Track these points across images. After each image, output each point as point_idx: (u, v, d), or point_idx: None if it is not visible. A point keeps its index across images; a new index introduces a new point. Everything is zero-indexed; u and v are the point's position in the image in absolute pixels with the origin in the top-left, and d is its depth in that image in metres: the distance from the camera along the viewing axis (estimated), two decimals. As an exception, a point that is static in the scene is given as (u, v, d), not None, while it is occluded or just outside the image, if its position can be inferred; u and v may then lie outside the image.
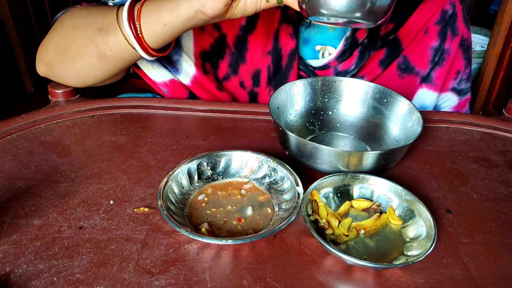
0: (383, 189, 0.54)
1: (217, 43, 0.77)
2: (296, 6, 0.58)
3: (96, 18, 0.65)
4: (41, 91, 2.47)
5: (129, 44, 0.63)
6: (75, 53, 0.67)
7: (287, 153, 0.62)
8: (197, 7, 0.57)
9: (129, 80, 0.85)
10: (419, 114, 0.62)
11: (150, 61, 0.75)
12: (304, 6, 0.55)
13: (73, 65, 0.68)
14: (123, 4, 0.63)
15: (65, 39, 0.67)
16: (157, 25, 0.61)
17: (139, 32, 0.62)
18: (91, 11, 0.68)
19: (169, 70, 0.77)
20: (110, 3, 0.73)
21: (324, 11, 0.53)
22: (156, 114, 0.73)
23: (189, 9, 0.58)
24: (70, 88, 0.75)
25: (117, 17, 0.63)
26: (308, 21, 0.78)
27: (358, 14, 0.52)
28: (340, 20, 0.57)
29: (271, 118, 0.68)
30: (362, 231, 0.50)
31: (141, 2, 0.62)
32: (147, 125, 0.70)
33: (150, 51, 0.64)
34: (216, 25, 0.76)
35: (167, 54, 0.75)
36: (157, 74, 0.76)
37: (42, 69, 0.73)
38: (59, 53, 0.68)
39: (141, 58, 0.67)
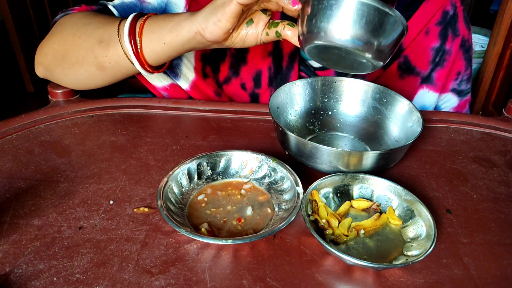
0: (383, 189, 0.54)
1: None
2: (294, 41, 0.58)
3: (98, 30, 0.66)
4: (41, 91, 2.47)
5: (128, 58, 0.64)
6: (75, 62, 0.67)
7: (287, 153, 0.62)
8: (197, 29, 0.58)
9: (129, 80, 0.85)
10: (419, 114, 0.62)
11: None
12: (301, 38, 0.53)
13: (73, 72, 0.69)
14: (124, 18, 0.64)
15: (65, 47, 0.68)
16: (157, 43, 0.62)
17: (138, 48, 0.62)
18: (92, 20, 0.68)
19: (169, 75, 0.77)
20: (110, 6, 0.73)
21: (322, 42, 0.51)
22: (156, 114, 0.73)
23: (189, 30, 0.58)
24: (70, 88, 0.75)
25: (118, 31, 0.63)
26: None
27: (363, 48, 0.49)
28: (339, 64, 0.55)
29: (271, 118, 0.68)
30: (362, 231, 0.50)
31: (143, 18, 0.63)
32: (147, 125, 0.70)
33: (147, 68, 0.65)
34: None
35: None
36: (157, 79, 0.77)
37: (41, 72, 0.73)
38: (58, 60, 0.69)
39: (139, 72, 0.68)
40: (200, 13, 0.58)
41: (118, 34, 0.63)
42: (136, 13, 0.64)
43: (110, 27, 0.64)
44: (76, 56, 0.67)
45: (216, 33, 0.57)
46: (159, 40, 0.61)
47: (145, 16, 0.63)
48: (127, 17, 0.63)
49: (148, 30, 0.62)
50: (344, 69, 0.58)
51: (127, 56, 0.64)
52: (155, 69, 0.67)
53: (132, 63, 0.64)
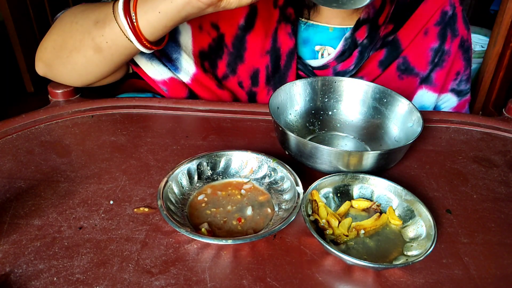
0: (383, 189, 0.54)
1: (215, 43, 0.77)
2: None
3: (94, 12, 0.66)
4: (41, 91, 2.47)
5: (125, 35, 0.63)
6: (72, 48, 0.67)
7: (287, 153, 0.62)
8: None
9: (129, 80, 0.85)
10: (419, 114, 0.62)
11: (150, 59, 0.75)
12: None
13: (71, 60, 0.68)
14: None
15: (63, 35, 0.68)
16: (152, 13, 0.61)
17: (134, 22, 0.62)
18: (89, 6, 0.68)
19: (169, 68, 0.77)
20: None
21: None
22: (156, 114, 0.73)
23: None
24: (70, 88, 0.75)
25: (113, 9, 0.63)
26: (306, 18, 0.78)
27: None
28: None
29: (271, 118, 0.68)
30: (362, 231, 0.50)
31: None
32: (147, 125, 0.70)
33: (145, 43, 0.64)
34: (214, 24, 0.76)
35: (166, 52, 0.75)
36: (156, 72, 0.76)
37: (41, 68, 0.73)
38: (57, 50, 0.69)
39: (137, 52, 0.67)
40: None
41: (113, 12, 0.63)
42: None
43: (106, 8, 0.64)
44: (73, 41, 0.66)
45: None
46: (154, 10, 0.61)
47: None
48: None
49: (142, 2, 0.62)
50: (341, 6, 0.58)
51: (123, 32, 0.63)
52: (153, 45, 0.66)
53: (129, 39, 0.63)
